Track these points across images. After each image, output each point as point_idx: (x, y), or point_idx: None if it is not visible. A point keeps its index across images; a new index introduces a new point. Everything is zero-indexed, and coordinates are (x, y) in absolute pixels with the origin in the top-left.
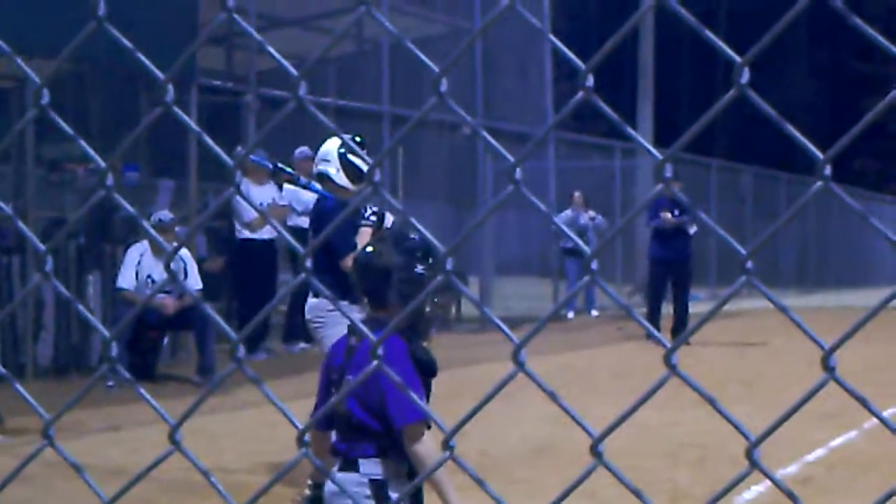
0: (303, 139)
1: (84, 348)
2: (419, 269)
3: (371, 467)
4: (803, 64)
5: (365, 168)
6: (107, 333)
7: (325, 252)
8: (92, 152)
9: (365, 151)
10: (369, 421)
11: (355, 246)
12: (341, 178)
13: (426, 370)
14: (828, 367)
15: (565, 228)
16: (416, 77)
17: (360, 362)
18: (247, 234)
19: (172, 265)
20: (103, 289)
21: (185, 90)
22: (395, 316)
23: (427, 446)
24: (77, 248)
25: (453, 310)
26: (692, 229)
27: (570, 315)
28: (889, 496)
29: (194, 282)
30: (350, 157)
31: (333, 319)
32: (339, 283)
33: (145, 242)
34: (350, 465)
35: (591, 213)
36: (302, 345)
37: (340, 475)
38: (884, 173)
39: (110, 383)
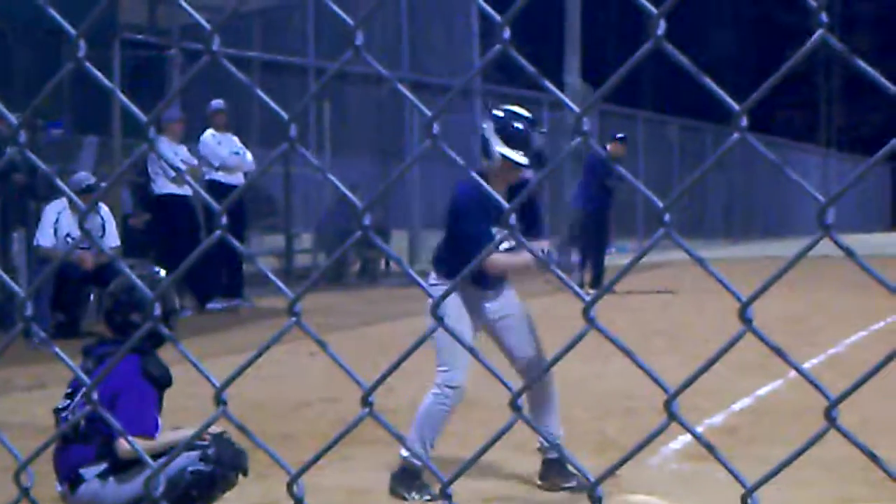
0: (227, 92)
1: (9, 307)
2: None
3: None
4: (727, 15)
5: (494, 148)
6: (22, 292)
7: (449, 235)
8: (3, 109)
9: (527, 127)
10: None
11: (487, 234)
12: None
13: (159, 382)
14: (745, 319)
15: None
16: (342, 29)
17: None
18: (171, 188)
19: (90, 222)
20: (28, 246)
21: (108, 45)
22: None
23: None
24: (0, 204)
25: (382, 264)
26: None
27: None
28: (811, 444)
29: (112, 239)
30: (488, 125)
31: (453, 311)
32: (456, 269)
33: (64, 200)
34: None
35: None
36: (219, 303)
37: None
38: (811, 124)
39: (36, 341)
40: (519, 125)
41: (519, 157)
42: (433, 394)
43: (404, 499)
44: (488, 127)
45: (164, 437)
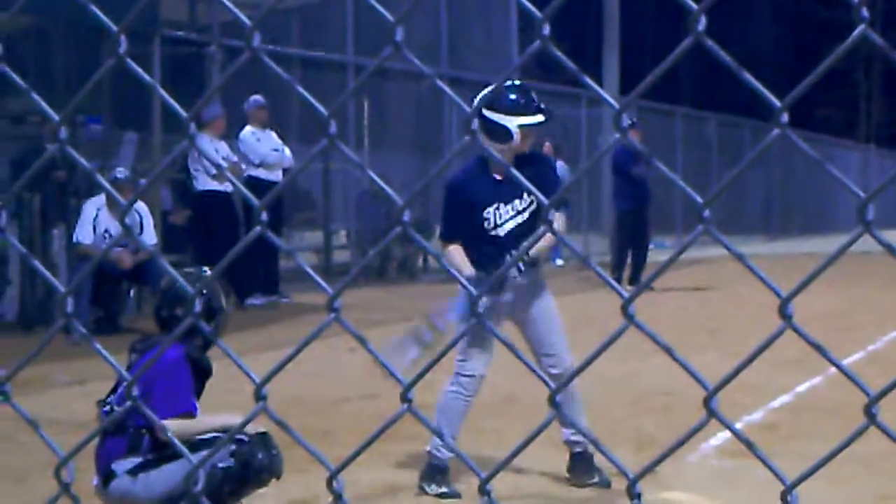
0: (264, 89)
1: (49, 303)
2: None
3: None
4: (766, 11)
5: (511, 125)
6: (62, 288)
7: None
8: (45, 106)
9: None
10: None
11: (456, 227)
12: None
13: (199, 365)
14: (785, 315)
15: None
16: (381, 26)
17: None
18: (212, 185)
19: (128, 219)
20: (68, 243)
21: (149, 42)
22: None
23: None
24: (41, 201)
25: (420, 260)
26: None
27: (559, 262)
28: (851, 440)
29: (150, 236)
30: (488, 112)
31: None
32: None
33: (102, 197)
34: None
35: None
36: (258, 299)
37: None
38: (850, 120)
39: (76, 336)
40: (513, 95)
41: (536, 118)
42: (449, 384)
43: (424, 491)
44: (492, 115)
45: (203, 421)
